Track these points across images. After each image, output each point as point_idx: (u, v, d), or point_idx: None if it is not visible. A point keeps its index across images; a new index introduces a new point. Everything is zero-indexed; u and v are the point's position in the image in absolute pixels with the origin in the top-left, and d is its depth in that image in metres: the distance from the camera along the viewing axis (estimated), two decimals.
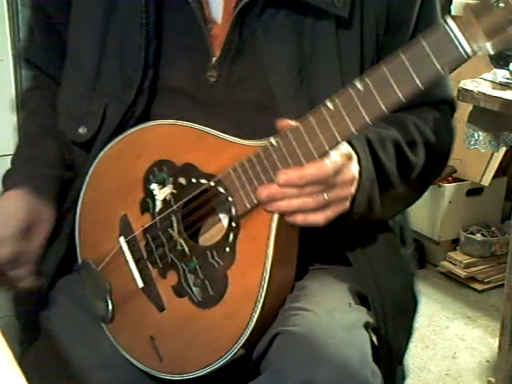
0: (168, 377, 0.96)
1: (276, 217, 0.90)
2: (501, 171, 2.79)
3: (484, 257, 2.73)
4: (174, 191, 0.96)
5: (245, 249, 0.92)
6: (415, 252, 2.72)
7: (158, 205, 0.98)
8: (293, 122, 0.87)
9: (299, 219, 0.88)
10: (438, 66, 0.78)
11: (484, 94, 1.77)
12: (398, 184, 1.00)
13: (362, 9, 0.98)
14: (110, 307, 1.00)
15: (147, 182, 0.99)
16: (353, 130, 0.83)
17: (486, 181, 2.71)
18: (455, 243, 2.81)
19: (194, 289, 0.95)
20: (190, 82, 1.01)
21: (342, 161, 0.88)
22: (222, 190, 0.93)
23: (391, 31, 1.00)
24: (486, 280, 2.68)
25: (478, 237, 2.74)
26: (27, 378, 0.62)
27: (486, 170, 2.70)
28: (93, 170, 1.03)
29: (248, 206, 0.91)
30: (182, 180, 0.96)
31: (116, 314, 1.01)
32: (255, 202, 0.90)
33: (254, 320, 0.90)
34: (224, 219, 0.96)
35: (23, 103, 1.18)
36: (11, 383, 0.61)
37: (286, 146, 0.87)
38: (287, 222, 0.90)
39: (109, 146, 1.02)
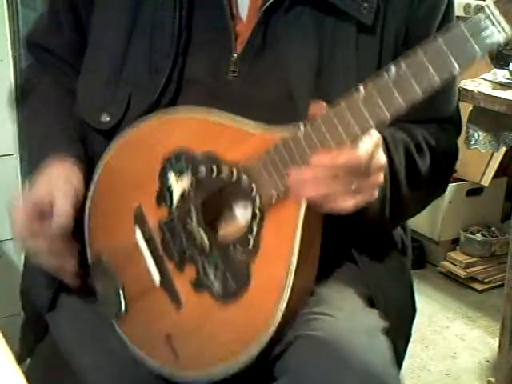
0: (189, 374, 0.93)
1: (304, 206, 0.88)
2: (501, 171, 2.79)
3: (484, 257, 2.73)
4: (193, 181, 0.94)
5: (270, 239, 0.89)
6: (415, 252, 2.73)
7: (176, 196, 0.95)
8: (323, 108, 0.85)
9: (328, 205, 0.87)
10: (478, 49, 0.78)
11: (484, 93, 1.77)
12: (405, 190, 1.00)
13: (384, 18, 0.98)
14: (123, 303, 0.98)
15: (164, 172, 0.95)
16: (387, 114, 0.82)
17: (486, 181, 2.71)
18: (455, 243, 2.81)
19: (214, 282, 0.92)
20: (209, 76, 1.01)
21: (373, 147, 0.86)
22: (245, 177, 0.90)
23: (409, 44, 1.00)
24: (486, 280, 2.68)
25: (478, 237, 2.74)
26: (29, 379, 0.62)
27: (485, 169, 2.70)
28: (106, 157, 1.00)
29: (274, 193, 0.88)
30: (202, 168, 0.93)
31: (129, 310, 0.98)
32: (282, 189, 0.88)
33: (281, 312, 0.88)
34: (247, 209, 0.93)
35: (29, 87, 1.14)
36: (11, 383, 0.61)
37: (316, 132, 0.85)
38: (314, 211, 0.88)
39: (123, 133, 0.99)
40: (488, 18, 0.77)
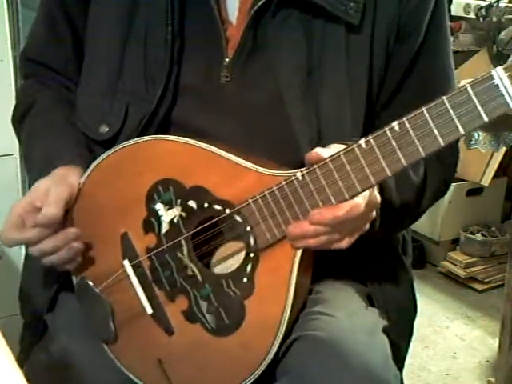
0: None
1: (300, 251, 0.88)
2: (501, 171, 2.79)
3: (484, 257, 2.73)
4: (183, 214, 0.93)
5: (264, 280, 0.90)
6: (415, 252, 2.73)
7: (165, 226, 0.94)
8: (323, 154, 0.85)
9: (324, 248, 0.89)
10: (483, 113, 0.77)
11: None
12: (398, 205, 1.00)
13: (374, 16, 0.98)
14: (113, 329, 0.97)
15: (151, 200, 0.94)
16: (388, 173, 0.82)
17: (486, 181, 2.70)
18: (455, 243, 2.81)
19: (207, 316, 0.93)
20: (202, 81, 1.01)
21: (370, 192, 0.87)
22: (239, 219, 0.90)
23: (401, 39, 1.00)
24: (486, 280, 2.69)
25: (478, 237, 2.74)
26: (28, 379, 0.62)
27: (485, 169, 2.70)
28: (86, 179, 0.98)
29: (270, 239, 0.89)
30: (192, 203, 0.93)
31: (120, 335, 0.97)
32: (278, 236, 0.89)
33: (273, 352, 0.89)
34: (240, 249, 0.93)
35: (30, 102, 1.13)
36: (11, 383, 0.61)
37: (314, 182, 0.85)
38: (309, 252, 0.89)
39: (105, 155, 0.97)
40: (497, 86, 0.76)
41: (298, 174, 0.86)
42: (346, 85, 0.98)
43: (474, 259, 2.72)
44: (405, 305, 1.08)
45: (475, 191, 2.81)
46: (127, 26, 1.02)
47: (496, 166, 2.69)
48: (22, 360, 1.04)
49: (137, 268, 0.96)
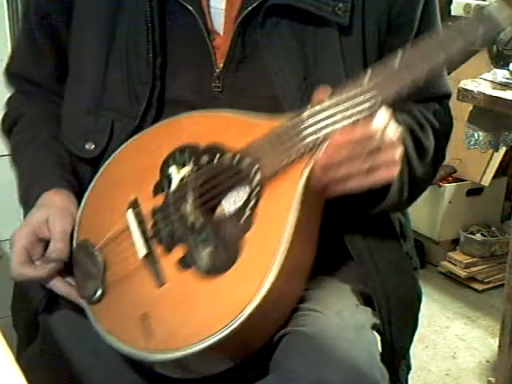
0: (160, 355, 0.89)
1: (305, 176, 0.88)
2: (501, 171, 2.79)
3: (484, 257, 2.73)
4: (194, 168, 0.94)
5: (267, 211, 0.89)
6: (415, 252, 2.72)
7: (174, 184, 0.95)
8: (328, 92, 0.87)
9: (341, 187, 0.88)
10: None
11: (484, 93, 1.77)
12: (416, 168, 1.01)
13: (363, 14, 0.98)
14: (100, 286, 0.95)
15: (165, 166, 0.96)
16: (395, 88, 0.84)
17: (486, 181, 2.71)
18: (455, 243, 2.81)
19: (203, 257, 0.90)
20: (194, 94, 1.01)
21: (386, 120, 0.87)
22: (247, 158, 0.91)
23: (393, 33, 1.01)
24: (485, 280, 2.69)
25: (478, 237, 2.74)
26: (26, 378, 0.62)
27: (486, 169, 2.70)
28: (109, 161, 1.00)
29: (277, 168, 0.89)
30: (205, 157, 0.94)
31: (106, 293, 0.96)
32: (284, 163, 0.88)
33: (268, 286, 0.84)
34: (243, 194, 0.92)
35: (16, 116, 1.13)
36: (11, 383, 0.61)
37: (325, 110, 0.87)
38: (314, 190, 0.89)
39: (131, 139, 1.00)
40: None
41: (309, 106, 0.88)
42: (343, 85, 0.98)
43: (474, 259, 2.72)
44: (407, 297, 1.08)
45: (475, 191, 2.81)
46: (109, 43, 1.03)
47: (496, 166, 2.69)
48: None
49: (139, 223, 0.95)
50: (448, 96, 1.12)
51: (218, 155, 0.92)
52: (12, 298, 1.14)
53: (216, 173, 0.93)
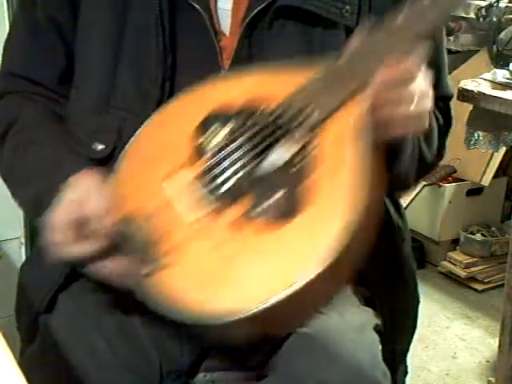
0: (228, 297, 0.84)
1: (361, 114, 0.85)
2: (501, 171, 2.79)
3: (484, 257, 2.73)
4: (240, 122, 0.91)
5: (328, 153, 0.86)
6: (415, 252, 2.72)
7: (215, 144, 0.91)
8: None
9: (390, 113, 0.87)
10: None
11: (484, 93, 1.77)
12: (424, 149, 1.02)
13: (369, 16, 0.98)
14: (156, 256, 0.88)
15: (205, 127, 0.93)
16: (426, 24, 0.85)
17: (486, 181, 2.71)
18: (455, 243, 2.81)
19: (271, 204, 0.86)
20: None
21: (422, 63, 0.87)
22: (297, 103, 0.89)
23: None
24: (485, 280, 2.69)
25: (478, 237, 2.74)
26: (26, 379, 0.62)
27: (486, 169, 2.70)
28: (137, 135, 0.97)
29: (331, 107, 0.87)
30: (247, 111, 0.91)
31: (164, 266, 0.88)
32: (338, 102, 0.87)
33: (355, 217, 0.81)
34: (301, 137, 0.89)
35: (10, 121, 1.07)
36: (11, 383, 0.61)
37: (371, 44, 0.87)
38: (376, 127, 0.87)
39: (157, 112, 0.97)
40: None
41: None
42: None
43: (474, 259, 2.72)
44: (407, 299, 1.09)
45: (475, 191, 2.81)
46: (117, 42, 1.01)
47: (496, 166, 2.69)
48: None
49: (182, 190, 0.91)
50: (450, 98, 1.13)
51: (258, 112, 0.90)
52: (16, 299, 1.13)
53: (263, 125, 0.90)
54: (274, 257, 0.84)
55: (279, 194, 0.86)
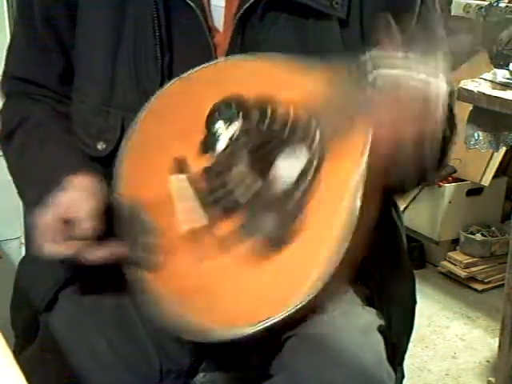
0: (220, 333, 0.84)
1: (369, 140, 0.81)
2: (501, 171, 2.79)
3: (484, 257, 2.72)
4: (245, 125, 0.89)
5: (327, 180, 0.83)
6: (415, 252, 2.73)
7: (222, 143, 0.90)
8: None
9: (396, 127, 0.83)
10: None
11: (484, 94, 1.77)
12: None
13: (361, 7, 0.99)
14: (151, 252, 0.90)
15: (211, 121, 0.90)
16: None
17: (486, 181, 2.71)
18: (455, 243, 2.81)
19: (263, 225, 0.85)
20: None
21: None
22: (305, 115, 0.86)
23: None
24: (486, 280, 2.68)
25: (478, 237, 2.74)
26: (26, 378, 0.62)
27: (486, 169, 2.70)
28: (147, 108, 0.96)
29: (339, 126, 0.84)
30: (255, 112, 0.89)
31: (164, 263, 0.90)
32: (346, 123, 0.83)
33: (342, 251, 0.80)
34: (301, 154, 0.86)
35: (19, 120, 1.08)
36: (11, 383, 0.61)
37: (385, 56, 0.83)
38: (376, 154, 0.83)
39: (168, 84, 0.96)
40: None
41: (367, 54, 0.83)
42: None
43: (474, 259, 2.72)
44: (406, 300, 1.09)
45: (475, 191, 2.81)
46: (116, 42, 1.02)
47: (496, 166, 2.69)
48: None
49: (188, 190, 0.91)
50: (451, 93, 1.12)
51: (269, 110, 0.88)
52: (12, 297, 1.13)
53: (270, 132, 0.87)
54: (252, 285, 0.85)
55: (271, 217, 0.86)
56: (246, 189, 0.89)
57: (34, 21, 1.07)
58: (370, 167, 0.82)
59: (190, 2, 0.98)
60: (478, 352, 2.30)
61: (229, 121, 0.91)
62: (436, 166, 1.01)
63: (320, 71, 0.87)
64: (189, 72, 0.96)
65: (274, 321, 0.81)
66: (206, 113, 0.92)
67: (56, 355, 0.98)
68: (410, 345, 1.12)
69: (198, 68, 0.95)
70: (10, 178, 1.09)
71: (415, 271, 1.15)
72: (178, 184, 0.92)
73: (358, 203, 0.81)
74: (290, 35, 0.98)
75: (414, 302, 1.12)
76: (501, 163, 2.70)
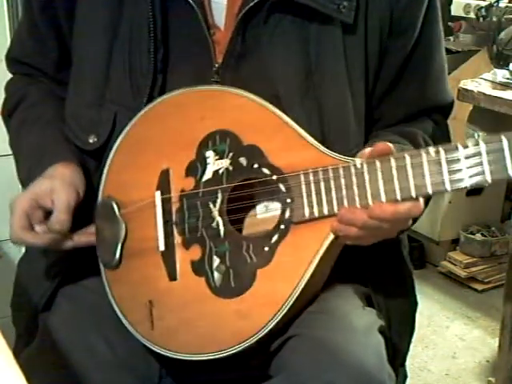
0: (155, 348, 0.92)
1: (332, 236, 0.87)
2: None
3: (484, 257, 2.72)
4: (230, 168, 0.93)
5: (285, 255, 0.88)
6: (415, 252, 2.72)
7: (208, 174, 0.94)
8: (391, 146, 0.84)
9: (357, 242, 0.89)
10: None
11: (484, 93, 1.77)
12: None
13: (366, 13, 0.99)
14: (118, 255, 0.96)
15: (204, 146, 0.94)
16: (448, 187, 0.81)
17: None
18: (455, 243, 2.81)
19: (214, 273, 0.91)
20: None
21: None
22: (283, 188, 0.89)
23: (395, 35, 1.01)
24: (485, 280, 2.68)
25: (478, 237, 2.74)
26: (26, 378, 0.62)
27: None
28: (148, 110, 0.99)
29: (307, 216, 0.88)
30: (243, 160, 0.92)
31: (122, 264, 0.96)
32: (316, 214, 0.87)
33: (268, 329, 0.87)
34: (273, 214, 0.92)
35: (20, 96, 1.13)
36: (10, 383, 0.61)
37: (370, 174, 0.84)
38: (339, 241, 0.89)
39: (173, 92, 0.98)
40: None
41: (358, 162, 0.85)
42: (346, 84, 0.98)
43: (474, 259, 2.72)
44: (405, 301, 1.09)
45: (475, 191, 2.80)
46: (112, 36, 1.03)
47: None
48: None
49: (165, 203, 0.96)
50: (450, 105, 1.11)
51: (256, 164, 0.91)
52: (12, 297, 1.14)
53: (251, 185, 0.92)
54: (201, 320, 0.91)
55: (223, 267, 0.91)
56: (211, 229, 0.93)
57: (33, 9, 1.10)
58: (325, 259, 0.89)
59: None
60: (478, 352, 2.30)
61: (219, 155, 0.94)
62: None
63: (316, 152, 0.90)
64: (198, 87, 0.97)
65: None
66: (202, 134, 0.95)
67: (55, 355, 0.98)
68: (410, 345, 1.12)
69: (207, 86, 0.97)
70: (9, 178, 1.09)
71: (415, 271, 1.15)
72: (157, 201, 0.96)
73: (302, 286, 0.88)
74: (293, 38, 0.98)
75: (415, 303, 1.12)
76: None
